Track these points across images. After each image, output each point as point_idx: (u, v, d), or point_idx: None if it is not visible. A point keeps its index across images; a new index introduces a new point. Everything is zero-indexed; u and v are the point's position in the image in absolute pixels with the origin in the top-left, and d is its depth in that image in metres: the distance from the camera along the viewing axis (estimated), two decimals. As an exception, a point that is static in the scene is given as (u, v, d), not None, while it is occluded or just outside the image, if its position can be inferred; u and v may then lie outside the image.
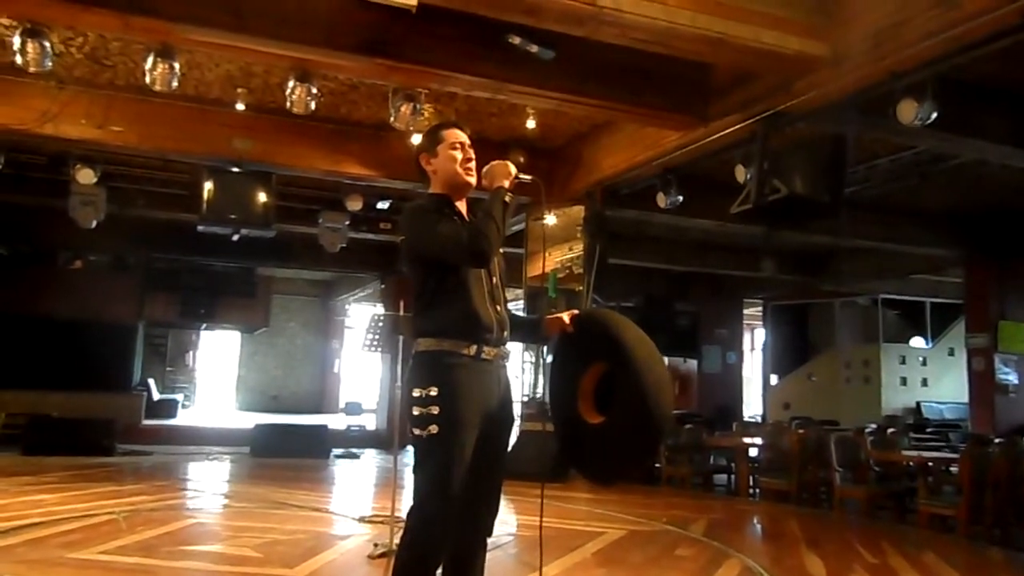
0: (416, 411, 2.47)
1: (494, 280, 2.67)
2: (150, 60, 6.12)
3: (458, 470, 2.42)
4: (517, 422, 2.75)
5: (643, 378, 2.47)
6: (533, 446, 7.64)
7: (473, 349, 2.52)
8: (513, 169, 2.63)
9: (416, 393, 2.48)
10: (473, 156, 2.73)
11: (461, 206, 2.70)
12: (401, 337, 5.21)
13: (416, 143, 2.99)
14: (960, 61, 5.09)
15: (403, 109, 6.74)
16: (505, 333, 2.65)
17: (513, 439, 2.77)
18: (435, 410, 2.43)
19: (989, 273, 10.71)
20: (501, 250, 2.74)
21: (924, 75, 5.32)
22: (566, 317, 2.72)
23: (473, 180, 2.70)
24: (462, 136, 2.73)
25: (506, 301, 2.73)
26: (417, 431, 2.47)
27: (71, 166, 8.56)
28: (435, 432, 2.43)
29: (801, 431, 8.12)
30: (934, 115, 5.44)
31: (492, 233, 2.48)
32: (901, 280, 13.23)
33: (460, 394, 2.46)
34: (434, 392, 2.45)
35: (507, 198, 2.57)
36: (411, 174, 8.70)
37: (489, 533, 2.63)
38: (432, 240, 2.52)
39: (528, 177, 2.67)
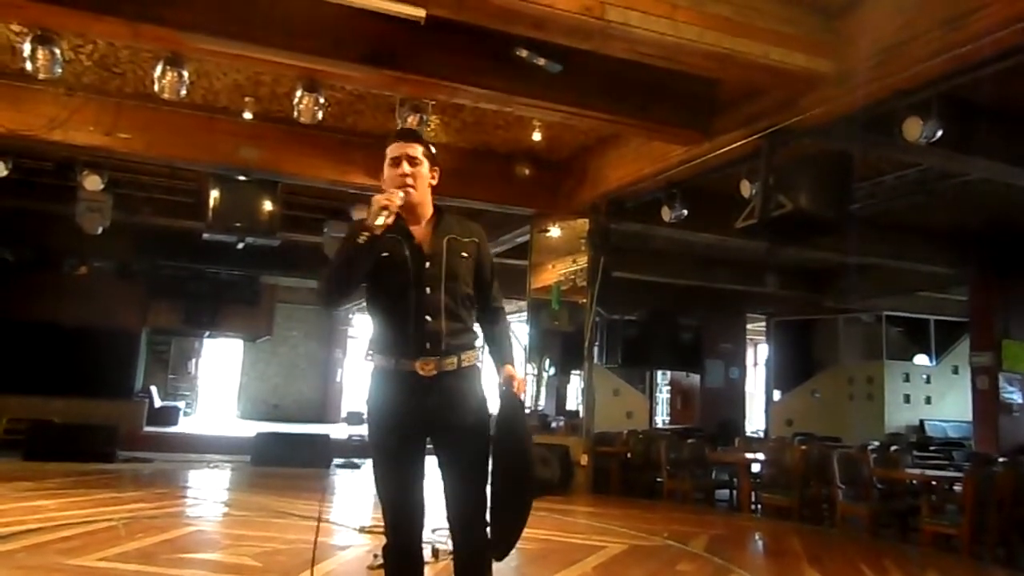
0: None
1: (427, 290, 2.62)
2: (159, 68, 6.17)
3: (385, 476, 2.62)
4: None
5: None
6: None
7: (392, 362, 2.62)
8: (376, 206, 2.54)
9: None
10: (408, 171, 2.66)
11: (418, 219, 2.69)
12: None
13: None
14: (965, 80, 5.10)
15: (410, 120, 6.77)
16: (434, 345, 2.60)
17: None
18: (365, 420, 2.69)
19: (993, 291, 10.69)
20: (464, 255, 2.69)
21: (929, 93, 5.34)
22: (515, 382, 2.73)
23: (412, 193, 2.66)
24: (401, 149, 2.70)
25: (454, 309, 2.66)
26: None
27: (78, 172, 8.59)
28: (368, 441, 2.69)
29: (804, 447, 8.09)
30: (939, 133, 5.46)
31: (324, 273, 2.70)
32: (905, 297, 13.21)
33: (378, 408, 2.64)
34: (365, 406, 2.68)
35: (360, 239, 2.53)
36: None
37: (480, 541, 2.62)
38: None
39: (384, 221, 2.54)
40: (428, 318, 2.61)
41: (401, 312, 2.60)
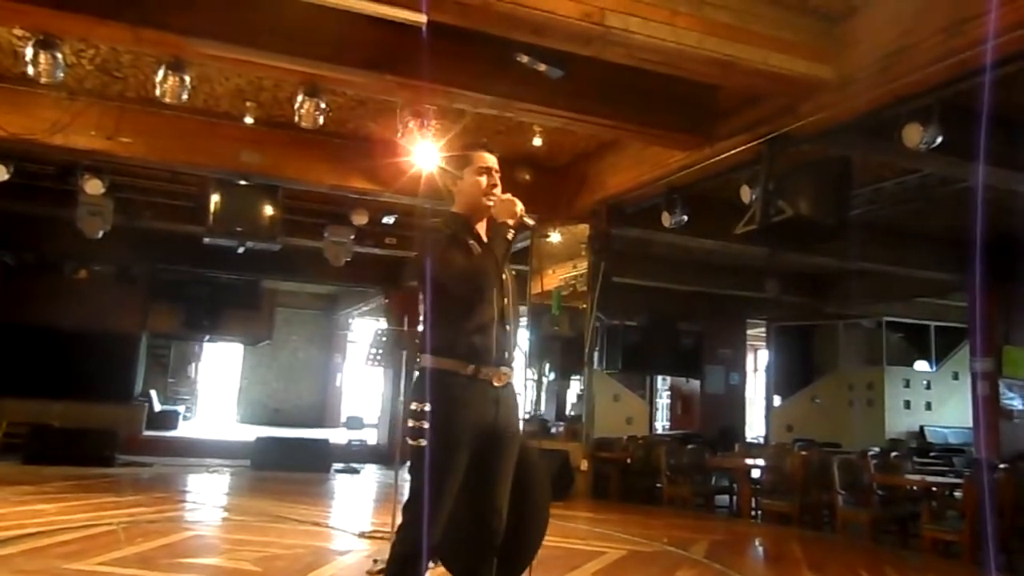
0: (410, 423, 2.62)
1: (505, 301, 2.74)
2: (161, 73, 6.17)
3: (443, 483, 2.57)
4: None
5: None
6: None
7: (471, 369, 2.63)
8: (519, 209, 2.72)
9: (413, 406, 2.62)
10: (498, 183, 2.82)
11: (480, 226, 2.80)
12: (404, 352, 5.21)
13: (444, 160, 3.09)
14: (966, 86, 5.11)
15: (410, 125, 6.78)
16: (508, 354, 2.73)
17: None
18: (425, 425, 2.58)
19: (994, 297, 10.67)
20: (514, 272, 2.87)
21: (929, 99, 5.35)
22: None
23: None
24: (490, 161, 2.83)
25: (517, 320, 2.82)
26: (410, 441, 2.62)
27: (79, 176, 8.59)
28: (423, 446, 2.58)
29: (804, 453, 8.09)
30: (939, 139, 5.46)
31: (491, 270, 2.63)
32: (905, 303, 13.21)
33: (451, 414, 2.59)
34: (427, 408, 2.59)
35: (509, 235, 2.68)
36: (416, 189, 8.65)
37: (494, 550, 2.69)
38: (436, 264, 2.65)
39: (532, 221, 2.76)
40: (507, 327, 2.73)
41: (487, 319, 2.66)
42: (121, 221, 9.55)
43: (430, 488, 2.56)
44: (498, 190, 2.80)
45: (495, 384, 2.67)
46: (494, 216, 2.72)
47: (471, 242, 2.70)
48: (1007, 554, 6.04)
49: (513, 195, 2.78)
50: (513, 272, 2.88)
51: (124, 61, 6.91)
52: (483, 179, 2.79)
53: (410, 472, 2.66)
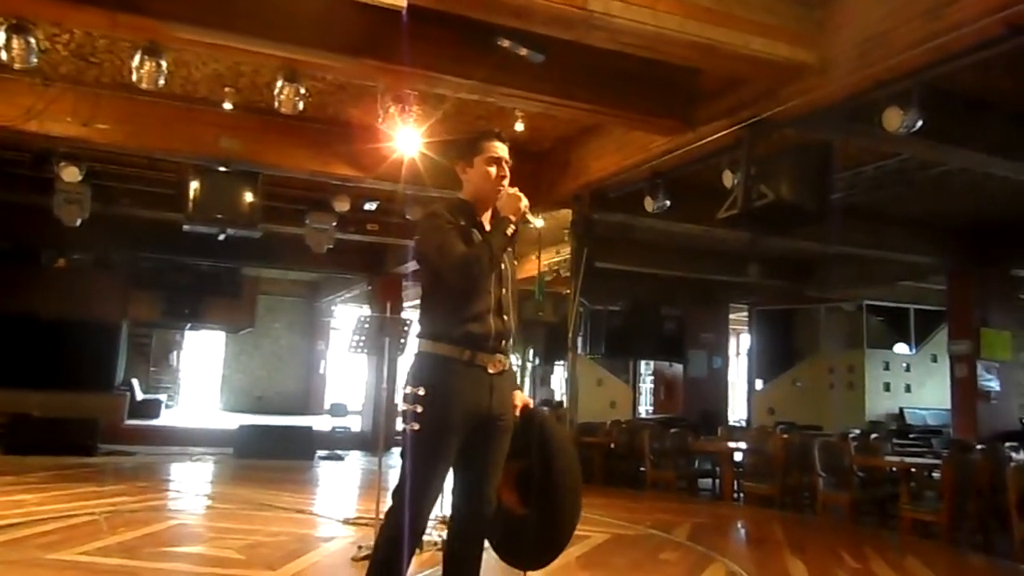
0: (404, 407, 2.63)
1: (503, 290, 2.76)
2: (137, 58, 6.07)
3: (432, 468, 2.58)
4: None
5: (563, 480, 2.83)
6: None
7: (467, 355, 2.64)
8: (523, 205, 2.74)
9: (407, 390, 2.64)
10: (507, 173, 2.83)
11: (485, 216, 2.82)
12: (387, 339, 5.20)
13: (454, 143, 3.08)
14: (945, 71, 5.13)
15: (391, 110, 6.73)
16: (504, 342, 2.74)
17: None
18: (419, 409, 2.59)
19: (972, 281, 10.81)
20: (515, 261, 2.94)
21: (909, 84, 5.36)
22: (519, 403, 2.87)
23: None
24: (500, 151, 2.83)
25: (515, 310, 2.83)
26: (403, 425, 2.64)
27: (56, 163, 8.46)
28: (416, 430, 2.59)
29: (785, 436, 8.17)
30: (919, 123, 5.49)
31: (485, 263, 2.63)
32: (886, 286, 13.34)
33: (446, 399, 2.59)
34: (421, 392, 2.60)
35: (509, 231, 2.69)
36: (398, 175, 8.60)
37: (483, 537, 2.74)
38: (434, 250, 2.66)
39: (533, 221, 2.81)
40: (505, 317, 2.75)
41: (483, 307, 2.68)
42: (99, 208, 9.43)
43: (419, 472, 2.58)
44: (506, 182, 2.81)
45: (490, 371, 2.68)
46: (498, 209, 2.74)
47: (473, 231, 2.71)
48: (984, 534, 6.14)
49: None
50: (515, 262, 2.91)
51: (99, 46, 6.80)
52: (493, 169, 2.80)
53: (402, 456, 2.67)
